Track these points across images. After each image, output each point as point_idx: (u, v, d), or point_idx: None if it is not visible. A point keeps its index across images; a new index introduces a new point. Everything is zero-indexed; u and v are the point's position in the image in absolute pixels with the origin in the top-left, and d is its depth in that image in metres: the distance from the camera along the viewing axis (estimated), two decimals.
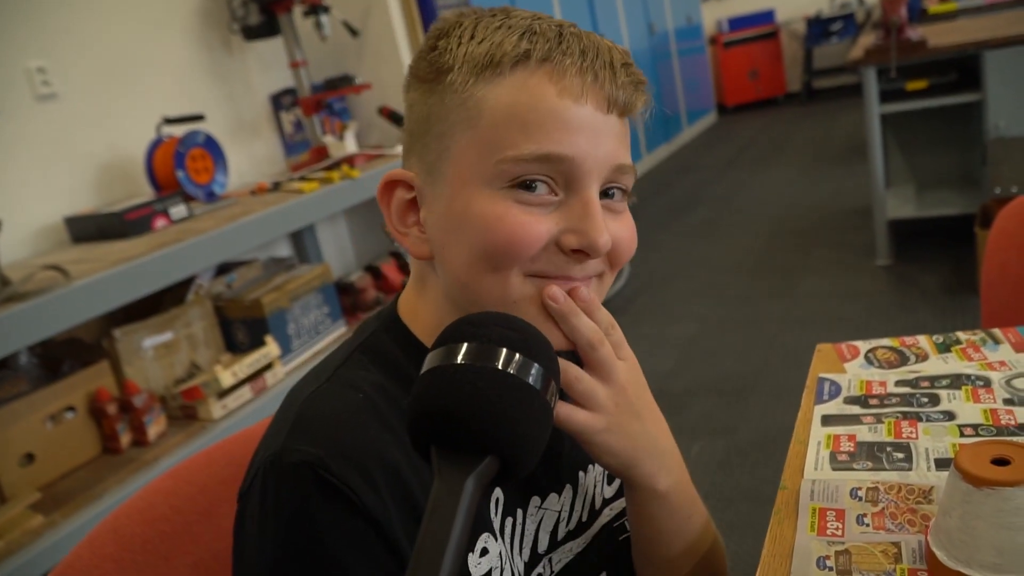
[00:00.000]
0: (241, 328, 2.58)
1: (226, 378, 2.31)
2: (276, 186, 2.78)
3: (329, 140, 3.10)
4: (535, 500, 0.77)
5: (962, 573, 0.66)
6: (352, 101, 3.49)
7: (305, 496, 0.62)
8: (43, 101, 2.45)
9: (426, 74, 0.69)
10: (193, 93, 2.96)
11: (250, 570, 0.64)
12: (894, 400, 0.98)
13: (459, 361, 0.52)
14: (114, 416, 2.15)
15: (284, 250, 3.18)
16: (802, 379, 1.09)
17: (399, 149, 0.80)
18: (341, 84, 3.11)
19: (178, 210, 2.47)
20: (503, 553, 0.72)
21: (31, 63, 2.42)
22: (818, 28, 8.47)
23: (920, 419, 0.92)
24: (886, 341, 1.13)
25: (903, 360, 1.07)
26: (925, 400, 0.96)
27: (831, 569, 0.72)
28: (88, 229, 2.40)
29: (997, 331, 1.09)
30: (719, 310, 3.76)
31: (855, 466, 0.86)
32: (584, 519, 0.81)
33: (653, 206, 5.81)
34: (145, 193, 2.65)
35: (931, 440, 0.88)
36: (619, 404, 0.72)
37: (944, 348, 1.08)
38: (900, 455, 0.86)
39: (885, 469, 0.85)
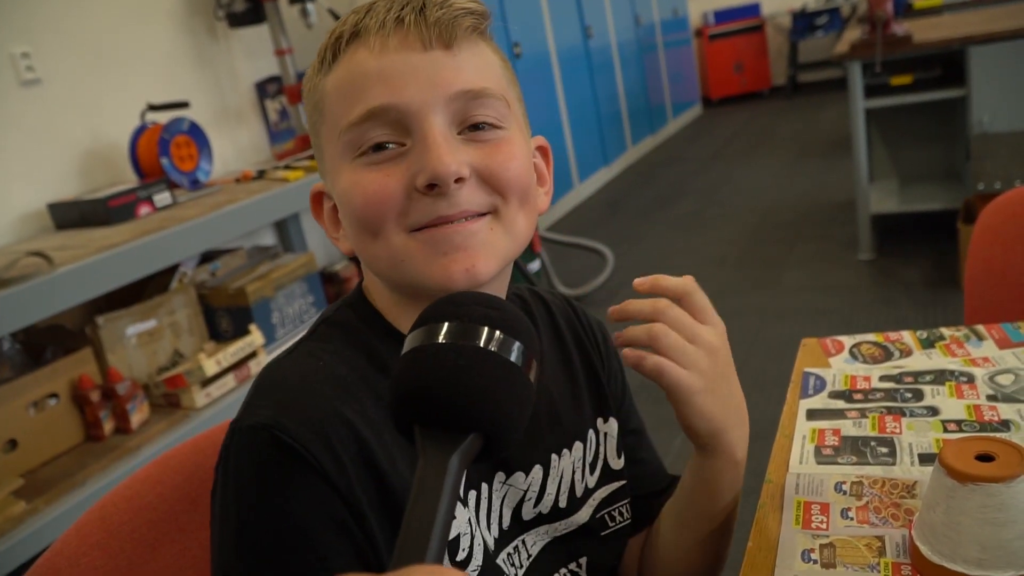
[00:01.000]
0: (225, 316, 2.56)
1: (210, 366, 2.31)
2: (261, 174, 2.77)
3: None
4: (500, 476, 0.77)
5: (946, 568, 0.67)
6: None
7: (262, 456, 0.63)
8: (27, 87, 2.43)
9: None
10: (177, 80, 2.94)
11: (220, 532, 0.65)
12: (878, 395, 0.99)
13: (440, 340, 0.52)
14: (97, 403, 2.14)
15: (268, 239, 3.17)
16: (785, 371, 1.10)
17: None
18: None
19: (162, 197, 2.45)
20: (471, 521, 0.73)
21: (15, 48, 2.40)
22: (803, 22, 8.49)
23: (904, 414, 0.93)
24: (871, 336, 1.14)
25: (887, 355, 1.08)
26: (909, 395, 0.97)
27: (815, 562, 0.73)
28: (71, 216, 2.38)
29: (981, 327, 1.10)
30: None
31: (840, 460, 0.87)
32: (564, 505, 0.81)
33: (637, 198, 5.82)
34: (129, 180, 2.63)
35: (915, 435, 0.89)
36: (714, 366, 0.73)
37: (928, 344, 1.09)
38: (884, 450, 0.87)
39: (869, 463, 0.86)
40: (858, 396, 0.99)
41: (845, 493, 0.81)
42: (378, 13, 0.69)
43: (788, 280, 3.81)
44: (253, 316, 2.52)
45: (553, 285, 3.96)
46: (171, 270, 2.48)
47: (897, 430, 0.90)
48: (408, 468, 0.67)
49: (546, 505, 0.79)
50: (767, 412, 2.66)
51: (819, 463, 0.87)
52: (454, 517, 0.73)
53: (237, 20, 3.03)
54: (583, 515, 0.82)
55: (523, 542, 0.78)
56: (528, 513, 0.78)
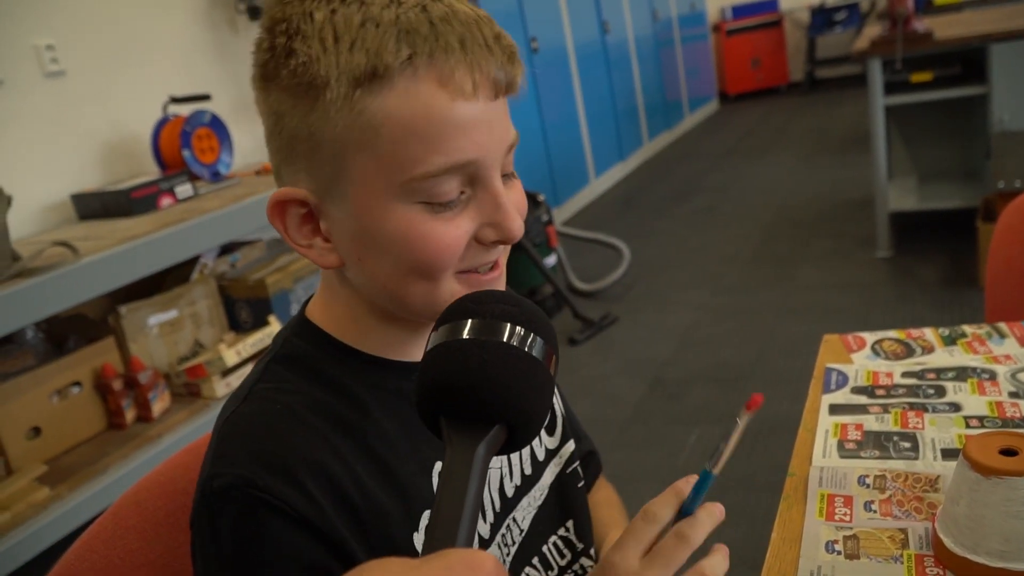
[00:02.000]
0: (244, 308, 2.59)
1: (230, 357, 2.33)
2: None
3: None
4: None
5: (969, 559, 0.68)
6: None
7: (238, 518, 0.62)
8: (51, 78, 2.46)
9: (292, 85, 0.64)
10: (198, 73, 2.96)
11: None
12: (901, 391, 0.99)
13: (465, 336, 0.54)
14: (119, 392, 2.16)
15: None
16: (800, 368, 1.11)
17: None
18: None
19: (183, 189, 2.47)
20: None
21: (40, 40, 2.42)
22: (822, 17, 8.45)
23: (926, 410, 0.94)
24: (892, 333, 1.15)
25: (909, 352, 1.09)
26: (931, 391, 0.98)
27: (839, 553, 0.74)
28: (94, 206, 2.41)
29: (1003, 325, 1.10)
30: (717, 299, 3.77)
31: (862, 454, 0.88)
32: (528, 471, 0.81)
33: (652, 193, 5.82)
34: (150, 171, 2.66)
35: (937, 431, 0.90)
36: None
37: (950, 341, 1.10)
38: (907, 444, 0.88)
39: (892, 458, 0.86)
40: (880, 392, 1.00)
41: (868, 486, 0.82)
42: (448, 45, 0.62)
43: (803, 277, 3.81)
44: (272, 307, 2.54)
45: (569, 280, 3.97)
46: (192, 261, 2.50)
47: (920, 425, 0.91)
48: (381, 490, 0.67)
49: (517, 477, 0.80)
50: (783, 408, 2.67)
51: (842, 457, 0.88)
52: (482, 503, 0.74)
53: (258, 13, 3.05)
54: (548, 477, 0.83)
55: (513, 520, 0.79)
56: (509, 489, 0.79)
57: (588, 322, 3.59)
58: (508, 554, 0.78)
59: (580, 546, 0.85)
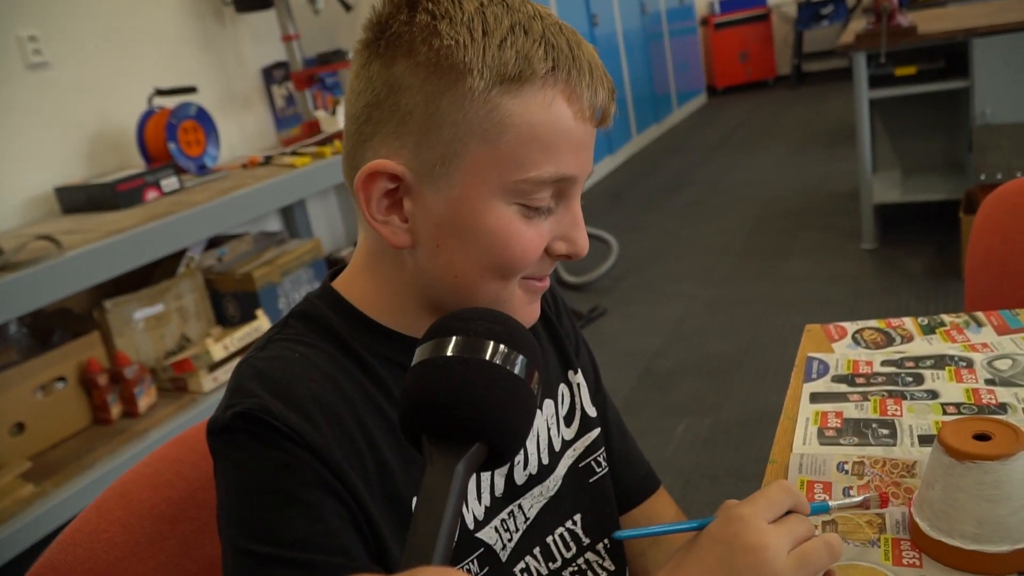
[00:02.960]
0: (232, 302, 2.58)
1: (217, 351, 2.33)
2: (267, 160, 2.78)
3: (321, 115, 3.10)
4: None
5: (943, 542, 0.69)
6: (344, 76, 3.48)
7: (254, 440, 0.64)
8: (35, 70, 2.44)
9: (430, 63, 0.65)
10: (184, 64, 2.95)
11: (224, 519, 0.67)
12: (880, 379, 1.00)
13: (449, 353, 0.55)
14: (105, 387, 2.16)
15: (274, 225, 3.18)
16: (787, 359, 1.12)
17: None
18: (334, 59, 3.11)
19: (169, 182, 2.47)
20: None
21: (23, 31, 2.41)
22: (809, 11, 8.47)
23: (905, 397, 0.95)
24: (873, 322, 1.16)
25: (889, 341, 1.10)
26: (910, 379, 0.99)
27: None
28: (79, 199, 2.40)
29: (980, 314, 1.12)
30: (706, 291, 3.79)
31: (842, 441, 0.89)
32: (546, 461, 0.83)
33: (642, 187, 5.83)
34: (136, 164, 2.65)
35: (915, 417, 0.91)
36: None
37: (929, 330, 1.11)
38: (885, 431, 0.89)
39: (870, 444, 0.87)
40: (860, 380, 1.01)
41: (847, 472, 0.83)
42: (581, 68, 0.67)
43: (791, 269, 3.83)
44: (260, 301, 2.54)
45: (558, 272, 3.98)
46: (178, 255, 2.49)
47: (898, 412, 0.92)
48: (388, 447, 0.69)
49: (533, 466, 0.81)
50: (770, 399, 2.68)
51: (822, 444, 0.89)
52: (461, 520, 0.75)
53: (244, 5, 3.04)
54: (561, 468, 0.84)
55: (519, 507, 0.80)
56: (521, 477, 0.80)
57: (577, 315, 3.60)
58: (510, 540, 0.78)
59: (587, 541, 0.85)
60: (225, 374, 2.36)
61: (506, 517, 0.78)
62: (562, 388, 0.87)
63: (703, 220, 4.81)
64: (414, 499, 0.70)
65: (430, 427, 0.54)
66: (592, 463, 0.88)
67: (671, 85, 8.03)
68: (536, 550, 0.81)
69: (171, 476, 0.84)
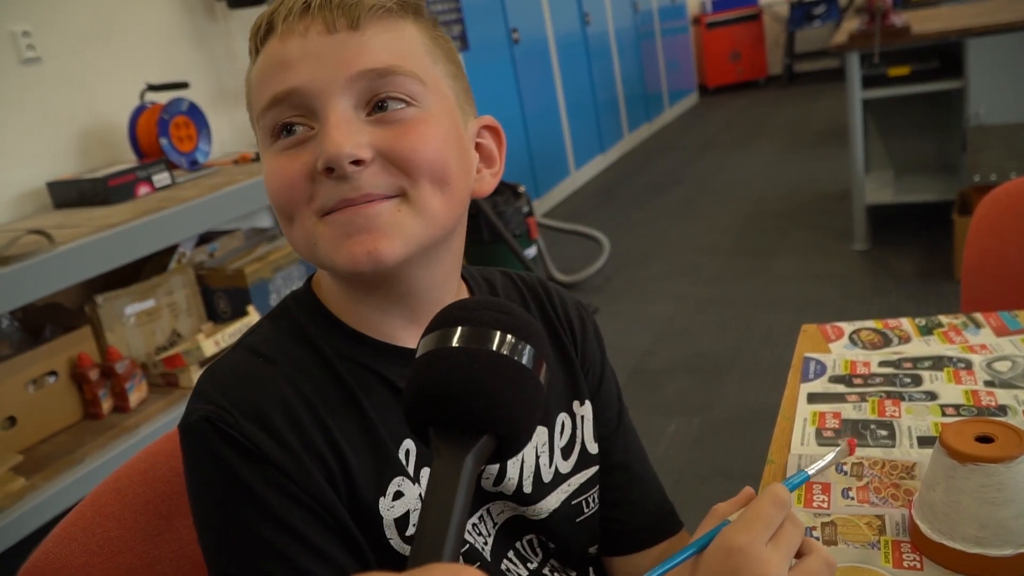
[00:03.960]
0: (223, 297, 2.57)
1: (208, 347, 2.31)
2: (259, 156, 2.76)
3: None
4: None
5: (945, 545, 0.69)
6: None
7: (211, 448, 0.65)
8: (27, 65, 2.42)
9: None
10: (176, 60, 2.93)
11: (198, 521, 0.69)
12: (878, 380, 1.00)
13: (454, 344, 0.53)
14: (96, 382, 2.15)
15: (266, 221, 3.17)
16: (777, 359, 1.12)
17: None
18: None
19: (161, 178, 2.45)
20: (422, 496, 0.72)
21: (15, 27, 2.39)
22: (801, 11, 8.50)
23: (903, 398, 0.95)
24: (870, 323, 1.16)
25: (886, 342, 1.10)
26: (908, 380, 0.99)
27: (817, 539, 0.75)
28: (70, 195, 2.38)
29: (978, 315, 1.12)
30: (696, 290, 3.79)
31: (840, 442, 0.88)
32: (529, 491, 0.79)
33: (632, 185, 5.83)
34: (127, 160, 2.63)
35: (914, 419, 0.91)
36: None
37: (926, 331, 1.11)
38: (883, 432, 0.89)
39: (869, 445, 0.87)
40: (858, 381, 1.01)
41: (846, 474, 0.83)
42: (288, 2, 0.69)
43: (781, 269, 3.84)
44: (251, 297, 2.53)
45: (549, 271, 3.97)
46: (170, 250, 2.48)
47: (896, 414, 0.92)
48: (350, 451, 0.69)
49: (508, 488, 0.78)
50: (761, 398, 2.68)
51: (820, 444, 0.89)
52: (470, 516, 0.74)
53: (236, 1, 3.02)
54: (552, 501, 0.80)
55: (488, 511, 0.78)
56: (487, 485, 0.78)
57: None
58: (485, 544, 0.77)
59: (552, 546, 0.83)
60: None
61: (477, 521, 0.77)
62: (562, 417, 0.83)
63: (694, 219, 4.81)
64: (379, 500, 0.69)
65: (437, 419, 0.52)
66: (583, 503, 0.84)
67: (663, 84, 8.04)
68: (510, 553, 0.80)
69: (166, 471, 0.83)
